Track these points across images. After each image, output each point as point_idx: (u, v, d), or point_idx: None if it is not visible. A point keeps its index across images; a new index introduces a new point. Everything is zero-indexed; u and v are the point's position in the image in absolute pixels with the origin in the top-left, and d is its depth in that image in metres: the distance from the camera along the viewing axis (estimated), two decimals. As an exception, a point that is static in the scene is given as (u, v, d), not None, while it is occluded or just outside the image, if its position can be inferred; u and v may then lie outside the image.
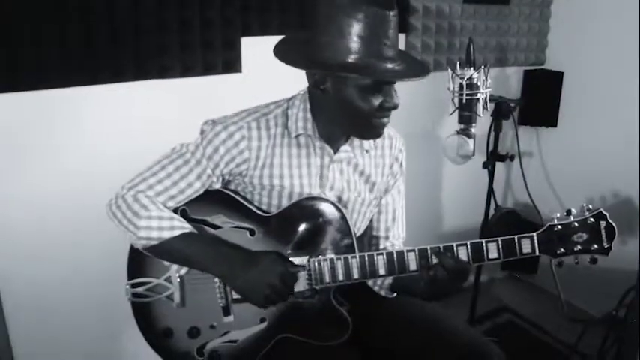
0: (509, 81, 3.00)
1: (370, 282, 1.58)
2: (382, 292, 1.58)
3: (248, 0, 2.08)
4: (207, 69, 2.07)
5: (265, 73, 2.09)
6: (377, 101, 1.31)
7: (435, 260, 1.35)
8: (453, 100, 2.29)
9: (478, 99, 2.24)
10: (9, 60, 1.71)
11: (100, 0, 1.80)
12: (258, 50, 2.12)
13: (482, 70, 2.22)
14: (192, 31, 1.99)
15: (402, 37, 2.48)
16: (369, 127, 1.36)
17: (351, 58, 1.27)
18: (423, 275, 1.36)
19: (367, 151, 1.50)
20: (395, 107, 1.34)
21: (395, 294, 1.58)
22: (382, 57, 1.28)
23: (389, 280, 1.55)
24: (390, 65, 1.29)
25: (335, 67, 1.28)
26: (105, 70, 1.88)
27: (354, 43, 1.26)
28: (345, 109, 1.34)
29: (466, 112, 2.28)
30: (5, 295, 1.92)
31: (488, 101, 2.27)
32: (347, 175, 1.48)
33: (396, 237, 1.64)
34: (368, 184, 1.53)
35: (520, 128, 2.87)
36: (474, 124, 2.30)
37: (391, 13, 1.26)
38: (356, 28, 1.25)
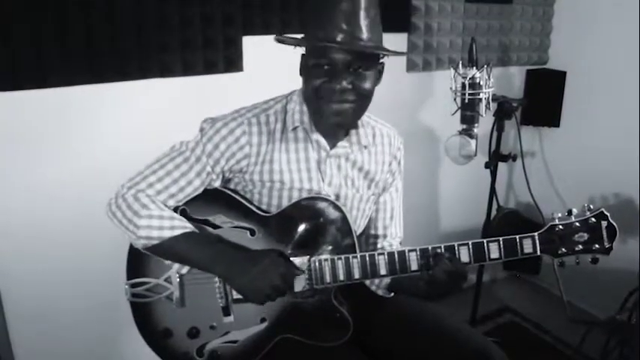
0: (511, 80, 2.99)
1: (368, 281, 1.57)
2: (380, 292, 1.58)
3: (249, -2, 2.08)
4: (209, 68, 2.06)
5: (267, 71, 2.10)
6: (319, 80, 1.32)
7: (432, 262, 1.34)
8: (455, 99, 2.28)
9: (480, 99, 2.23)
10: (10, 59, 1.71)
11: (101, -1, 1.80)
12: (259, 49, 2.12)
13: (484, 69, 2.22)
14: (194, 29, 1.99)
15: (404, 36, 2.47)
16: (321, 111, 1.35)
17: (316, 33, 1.30)
18: (423, 276, 1.36)
19: (365, 147, 1.50)
20: (343, 92, 1.31)
21: (392, 294, 1.57)
22: (337, 32, 1.28)
23: (386, 279, 1.54)
24: (341, 39, 1.28)
25: (297, 40, 1.33)
26: (106, 69, 1.88)
27: (320, 20, 1.30)
28: (304, 88, 1.37)
29: (468, 112, 2.27)
30: (6, 293, 1.91)
31: (490, 101, 2.26)
32: (345, 170, 1.48)
33: (393, 236, 1.63)
34: (366, 181, 1.52)
35: (522, 128, 2.86)
36: (476, 124, 2.29)
37: None
38: (327, 6, 1.29)
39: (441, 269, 1.32)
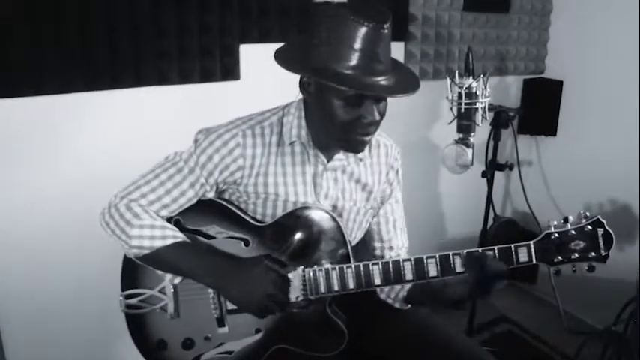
0: (508, 90, 2.99)
1: (383, 295, 1.56)
2: (397, 305, 1.56)
3: (247, 7, 2.08)
4: (206, 76, 2.07)
5: (264, 80, 2.10)
6: (355, 115, 1.27)
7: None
8: (451, 109, 2.29)
9: (477, 108, 2.24)
10: (7, 65, 1.71)
11: (99, 7, 1.80)
12: (256, 57, 2.12)
13: (481, 78, 2.22)
14: (191, 38, 1.99)
15: (401, 45, 2.48)
16: (347, 140, 1.33)
17: (336, 67, 1.24)
18: (469, 279, 1.35)
19: (361, 160, 1.49)
20: (373, 124, 1.29)
21: (409, 305, 1.56)
22: (368, 70, 1.24)
23: (404, 292, 1.53)
24: (374, 79, 1.25)
25: (317, 72, 1.25)
26: (103, 77, 1.88)
27: (342, 53, 1.23)
28: (325, 117, 1.31)
29: (465, 122, 2.27)
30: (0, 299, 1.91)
31: (487, 110, 2.27)
32: (342, 183, 1.47)
33: (399, 246, 1.62)
34: (364, 193, 1.51)
35: (519, 137, 2.87)
36: (472, 134, 2.30)
37: (383, 27, 1.22)
38: (345, 38, 1.22)
39: (484, 269, 1.31)
